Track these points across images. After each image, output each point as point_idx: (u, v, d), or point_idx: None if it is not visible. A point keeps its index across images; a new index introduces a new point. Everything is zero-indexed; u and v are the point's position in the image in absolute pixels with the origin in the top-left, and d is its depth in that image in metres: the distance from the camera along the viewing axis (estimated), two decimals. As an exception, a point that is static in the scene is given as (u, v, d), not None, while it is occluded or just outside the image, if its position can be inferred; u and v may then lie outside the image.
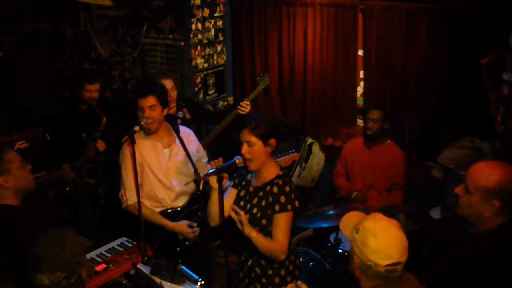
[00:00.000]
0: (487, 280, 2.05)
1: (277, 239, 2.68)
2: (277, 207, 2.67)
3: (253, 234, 2.65)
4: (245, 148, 2.68)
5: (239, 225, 2.64)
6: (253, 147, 2.67)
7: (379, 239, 1.86)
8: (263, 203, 2.72)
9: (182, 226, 3.24)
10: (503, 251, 2.07)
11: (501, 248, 2.08)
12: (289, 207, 2.66)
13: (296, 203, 2.69)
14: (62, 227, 2.12)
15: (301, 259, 2.92)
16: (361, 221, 1.96)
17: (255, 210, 2.73)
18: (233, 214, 2.66)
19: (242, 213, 2.62)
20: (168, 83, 3.95)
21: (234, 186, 2.92)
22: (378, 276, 1.87)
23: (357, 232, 1.92)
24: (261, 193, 2.74)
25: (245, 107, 4.00)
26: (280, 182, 2.70)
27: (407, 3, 4.32)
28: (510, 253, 2.07)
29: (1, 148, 2.63)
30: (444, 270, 2.25)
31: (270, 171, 2.75)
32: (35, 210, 2.68)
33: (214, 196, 2.76)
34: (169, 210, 3.29)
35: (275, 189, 2.69)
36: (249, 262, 2.82)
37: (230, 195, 2.90)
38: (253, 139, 2.66)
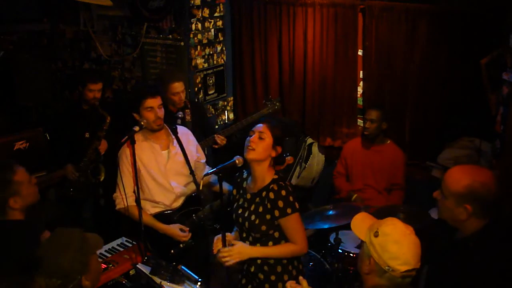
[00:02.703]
0: (477, 283, 2.05)
1: (293, 241, 2.70)
2: (276, 213, 2.66)
3: (256, 254, 2.71)
4: (255, 138, 2.69)
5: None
6: (263, 141, 2.68)
7: (400, 246, 1.86)
8: (261, 209, 2.70)
9: (173, 229, 3.22)
10: (492, 253, 2.08)
11: (490, 250, 2.08)
12: (289, 210, 2.65)
13: (296, 205, 2.68)
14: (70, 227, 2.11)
15: (301, 260, 2.93)
16: (377, 224, 1.95)
17: (253, 217, 2.72)
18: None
19: (229, 252, 2.66)
20: (180, 86, 3.97)
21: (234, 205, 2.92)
22: (392, 280, 1.88)
23: (376, 236, 1.90)
24: (257, 199, 2.73)
25: (219, 142, 4.09)
26: (276, 187, 2.67)
27: (407, 3, 4.32)
28: (499, 254, 2.07)
29: (9, 168, 2.54)
30: (436, 275, 2.26)
31: (266, 176, 2.74)
32: (36, 218, 2.67)
33: None
34: (162, 212, 3.28)
35: (271, 195, 2.67)
36: (252, 269, 2.80)
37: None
38: (267, 134, 2.68)
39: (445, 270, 2.21)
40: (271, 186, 2.68)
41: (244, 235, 2.80)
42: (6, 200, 2.49)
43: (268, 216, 2.68)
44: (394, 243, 1.87)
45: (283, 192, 2.66)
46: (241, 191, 2.88)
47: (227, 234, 2.80)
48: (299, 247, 2.71)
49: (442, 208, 2.17)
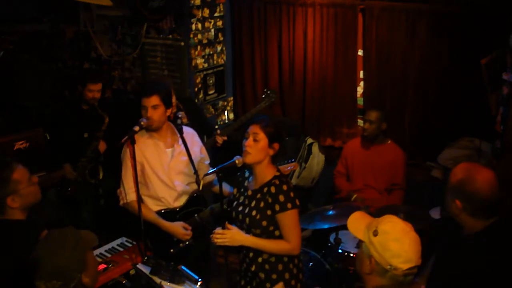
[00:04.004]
0: (477, 282, 2.05)
1: (287, 239, 2.70)
2: (277, 207, 2.67)
3: (247, 242, 2.72)
4: (250, 141, 2.69)
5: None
6: (258, 143, 2.68)
7: (401, 243, 1.83)
8: (262, 204, 2.71)
9: (176, 227, 3.23)
10: (491, 252, 2.08)
11: (489, 249, 2.09)
12: (289, 205, 2.66)
13: (297, 201, 2.69)
14: (63, 227, 2.09)
15: (301, 259, 2.93)
16: (375, 223, 1.92)
17: (254, 213, 2.73)
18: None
19: (223, 235, 2.72)
20: None
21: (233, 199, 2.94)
22: (394, 279, 1.85)
23: (376, 235, 1.87)
24: (259, 195, 2.74)
25: (220, 142, 4.07)
26: (277, 182, 2.70)
27: (407, 3, 4.32)
28: (497, 254, 2.08)
29: (8, 166, 2.51)
30: (438, 272, 2.26)
31: (267, 173, 2.75)
32: (36, 218, 2.65)
33: None
34: (165, 210, 3.29)
35: (272, 189, 2.68)
36: (253, 268, 2.81)
37: None
38: (261, 135, 2.69)
39: (447, 267, 2.21)
40: (273, 181, 2.71)
41: (244, 232, 2.81)
42: (4, 199, 2.46)
43: (269, 212, 2.69)
44: (394, 241, 1.84)
45: (285, 187, 2.68)
46: (241, 190, 2.90)
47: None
48: (291, 247, 2.71)
49: (446, 202, 2.20)
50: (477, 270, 2.05)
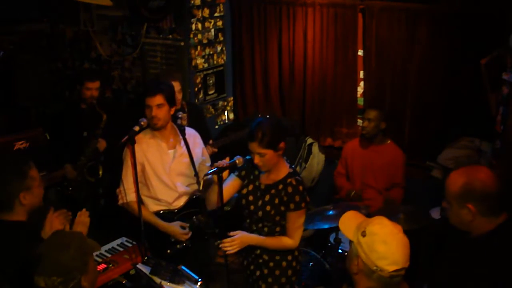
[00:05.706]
0: (485, 282, 2.04)
1: (291, 235, 2.84)
2: (291, 206, 2.77)
3: (253, 242, 2.84)
4: (257, 159, 2.74)
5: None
6: (265, 157, 2.73)
7: (388, 245, 1.85)
8: (277, 201, 2.80)
9: (174, 227, 3.24)
10: (501, 252, 2.07)
11: (500, 249, 2.07)
12: (303, 205, 2.78)
13: (308, 198, 2.82)
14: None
15: (300, 250, 3.03)
16: (364, 223, 1.93)
17: (268, 208, 2.82)
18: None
19: (232, 242, 2.78)
20: (175, 86, 3.94)
21: (239, 176, 2.96)
22: (381, 280, 1.87)
23: (364, 236, 1.89)
24: (273, 191, 2.81)
25: (209, 153, 3.99)
26: (294, 182, 2.79)
27: (407, 3, 4.32)
28: (508, 254, 2.06)
29: (26, 162, 2.49)
30: (444, 274, 2.25)
31: (280, 170, 2.83)
32: (37, 218, 2.64)
33: (215, 187, 2.80)
34: (164, 211, 3.29)
35: (289, 189, 2.77)
36: (258, 251, 2.93)
37: (232, 184, 2.94)
38: (263, 151, 2.72)
39: (453, 269, 2.20)
40: (288, 180, 2.79)
41: (248, 220, 2.93)
42: (18, 194, 2.41)
43: (282, 208, 2.80)
44: (381, 243, 1.85)
45: (301, 188, 2.79)
46: (251, 177, 2.94)
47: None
48: (294, 243, 2.87)
49: (450, 215, 2.17)
50: (493, 270, 2.04)
